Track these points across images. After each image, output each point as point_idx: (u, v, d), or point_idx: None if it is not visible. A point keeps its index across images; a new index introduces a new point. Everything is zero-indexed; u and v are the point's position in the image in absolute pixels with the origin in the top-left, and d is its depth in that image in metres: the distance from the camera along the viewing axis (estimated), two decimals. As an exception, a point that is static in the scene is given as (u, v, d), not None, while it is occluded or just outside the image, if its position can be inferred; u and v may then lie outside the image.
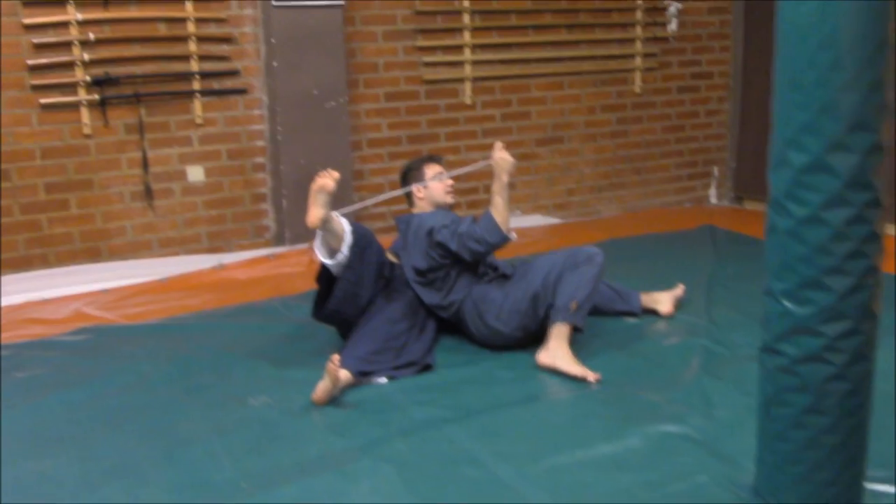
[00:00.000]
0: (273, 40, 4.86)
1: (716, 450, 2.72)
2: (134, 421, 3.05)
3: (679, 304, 4.06)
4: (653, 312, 4.01)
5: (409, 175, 3.88)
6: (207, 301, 4.44)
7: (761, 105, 6.35)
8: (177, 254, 4.99)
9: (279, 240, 5.18)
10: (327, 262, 3.47)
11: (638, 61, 6.06)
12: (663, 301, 4.02)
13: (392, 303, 3.65)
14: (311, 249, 3.73)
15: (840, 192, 2.12)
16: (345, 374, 3.21)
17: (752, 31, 6.30)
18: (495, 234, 3.48)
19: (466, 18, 5.47)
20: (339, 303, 3.51)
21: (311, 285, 3.79)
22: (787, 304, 2.29)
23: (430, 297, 3.67)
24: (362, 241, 3.51)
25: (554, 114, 5.89)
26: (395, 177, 5.46)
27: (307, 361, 3.56)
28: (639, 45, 6.04)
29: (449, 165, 5.55)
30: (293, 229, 5.10)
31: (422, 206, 3.82)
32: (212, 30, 4.88)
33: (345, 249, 3.44)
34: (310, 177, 5.02)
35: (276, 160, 5.06)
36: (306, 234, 5.05)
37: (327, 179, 3.36)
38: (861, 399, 2.28)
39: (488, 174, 3.67)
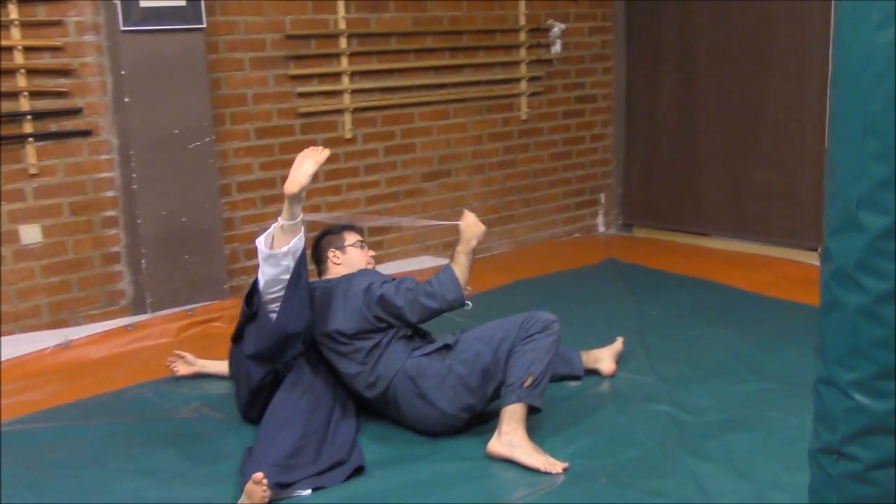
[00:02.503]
0: (123, 72, 4.08)
1: (741, 562, 2.27)
2: None
3: (619, 360, 3.63)
4: (594, 372, 3.56)
5: (327, 238, 3.36)
6: (56, 393, 3.61)
7: (647, 129, 6.15)
8: (11, 332, 4.09)
9: (138, 306, 4.38)
10: (278, 250, 2.91)
11: (523, 85, 5.66)
12: (604, 359, 3.58)
13: (303, 384, 3.03)
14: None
15: (931, 261, 1.70)
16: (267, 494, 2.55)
17: (634, 51, 6.05)
18: (454, 290, 2.99)
19: (343, 43, 4.87)
20: (287, 319, 2.93)
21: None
22: (859, 398, 1.84)
23: (351, 368, 3.06)
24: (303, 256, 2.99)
25: (440, 145, 5.39)
26: (272, 224, 4.80)
27: (204, 473, 2.87)
28: (524, 69, 5.63)
29: (330, 207, 4.98)
30: (155, 293, 4.32)
31: (336, 273, 3.26)
32: (46, 60, 4.04)
33: (296, 242, 2.93)
34: (172, 229, 4.32)
35: (130, 213, 4.27)
36: (170, 298, 4.32)
37: (324, 152, 3.05)
38: (945, 507, 1.88)
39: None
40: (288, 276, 2.95)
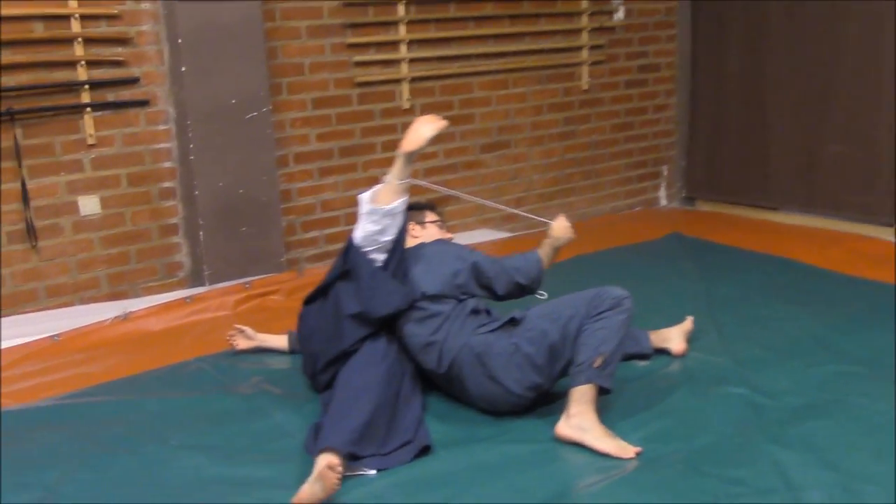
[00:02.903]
0: (180, 40, 4.01)
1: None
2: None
3: (689, 339, 3.50)
4: (663, 352, 3.43)
5: (409, 212, 3.25)
6: (115, 365, 3.59)
7: (712, 99, 5.93)
8: (71, 304, 4.10)
9: (196, 278, 4.35)
10: (382, 206, 2.91)
11: (585, 54, 5.48)
12: (674, 338, 3.45)
13: (379, 352, 2.96)
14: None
15: None
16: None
17: (701, 19, 5.82)
18: (538, 270, 3.07)
19: (401, 10, 4.75)
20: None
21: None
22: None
23: (420, 337, 3.00)
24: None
25: (499, 116, 5.25)
26: (328, 196, 4.74)
27: (262, 450, 2.81)
28: (585, 37, 5.46)
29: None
30: (213, 265, 4.28)
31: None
32: (102, 29, 3.99)
33: (401, 203, 2.96)
34: (230, 201, 4.27)
35: (188, 184, 4.22)
36: (227, 271, 4.27)
37: (443, 122, 3.00)
38: None
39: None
40: (386, 238, 2.96)
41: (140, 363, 3.58)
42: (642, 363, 3.36)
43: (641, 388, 3.15)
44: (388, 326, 3.05)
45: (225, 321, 3.96)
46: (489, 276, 3.05)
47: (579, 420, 2.75)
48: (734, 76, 5.68)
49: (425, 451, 2.73)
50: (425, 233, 3.27)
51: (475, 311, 3.04)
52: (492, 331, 2.95)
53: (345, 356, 2.97)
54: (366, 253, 2.98)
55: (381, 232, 2.96)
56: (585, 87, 5.54)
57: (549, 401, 2.98)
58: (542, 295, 3.10)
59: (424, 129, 2.94)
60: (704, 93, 5.89)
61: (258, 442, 2.86)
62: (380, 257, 3.00)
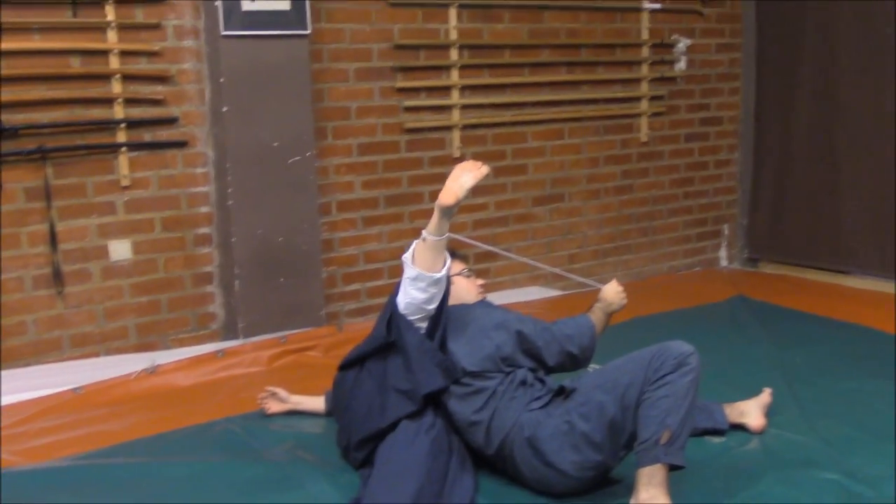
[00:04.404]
0: (222, 80, 3.82)
1: None
2: None
3: (767, 414, 3.15)
4: (739, 427, 3.08)
5: None
6: (139, 423, 3.33)
7: (777, 155, 5.61)
8: (96, 354, 3.87)
9: (229, 331, 4.10)
10: (432, 273, 2.61)
11: (644, 105, 5.23)
12: (751, 412, 3.11)
13: (424, 424, 2.68)
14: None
15: None
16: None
17: (766, 71, 5.54)
18: (591, 339, 2.79)
19: (454, 54, 4.54)
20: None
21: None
22: None
23: (466, 415, 2.71)
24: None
25: (553, 167, 4.99)
26: (372, 246, 4.49)
27: (295, 527, 2.51)
28: (645, 87, 5.21)
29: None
30: (247, 317, 4.03)
31: None
32: (142, 66, 3.82)
33: (443, 270, 2.66)
34: (268, 250, 4.03)
35: (225, 230, 4.00)
36: (262, 324, 4.01)
37: (483, 168, 2.67)
38: None
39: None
40: (432, 307, 2.68)
41: (165, 421, 3.32)
42: (717, 440, 3.01)
43: (720, 469, 2.80)
44: (433, 399, 2.75)
45: (258, 378, 3.70)
46: (538, 346, 2.74)
47: (649, 506, 2.41)
48: (801, 131, 5.37)
49: (477, 535, 2.42)
50: (453, 288, 2.88)
51: (524, 383, 2.72)
52: (543, 406, 2.64)
53: (382, 434, 2.68)
54: (411, 322, 2.69)
55: (428, 300, 2.67)
56: (644, 139, 5.28)
57: (613, 480, 2.65)
58: (593, 368, 2.78)
59: (464, 178, 2.61)
60: (769, 148, 5.59)
61: (289, 517, 2.56)
62: (423, 325, 2.72)
